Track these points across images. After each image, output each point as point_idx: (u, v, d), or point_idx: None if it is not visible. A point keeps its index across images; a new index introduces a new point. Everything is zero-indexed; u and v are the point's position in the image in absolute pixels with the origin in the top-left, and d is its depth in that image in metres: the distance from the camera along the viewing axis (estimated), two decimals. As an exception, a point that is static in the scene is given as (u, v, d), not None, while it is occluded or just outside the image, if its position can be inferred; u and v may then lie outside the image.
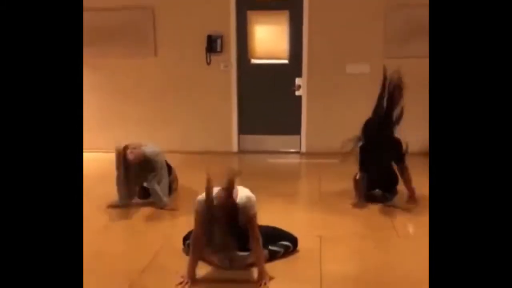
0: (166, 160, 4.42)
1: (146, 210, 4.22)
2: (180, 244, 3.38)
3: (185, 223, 3.82)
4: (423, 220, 4.12)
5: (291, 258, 3.24)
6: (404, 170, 4.32)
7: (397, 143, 4.28)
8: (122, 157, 4.06)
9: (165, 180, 4.29)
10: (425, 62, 6.88)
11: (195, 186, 4.96)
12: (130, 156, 4.06)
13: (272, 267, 3.14)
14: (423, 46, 5.92)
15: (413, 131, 4.98)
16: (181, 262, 3.10)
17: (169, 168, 4.49)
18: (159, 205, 4.22)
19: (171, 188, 4.49)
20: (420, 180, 4.25)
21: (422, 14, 5.88)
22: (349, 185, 4.93)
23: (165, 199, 4.23)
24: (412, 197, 4.33)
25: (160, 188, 4.21)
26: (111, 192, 4.24)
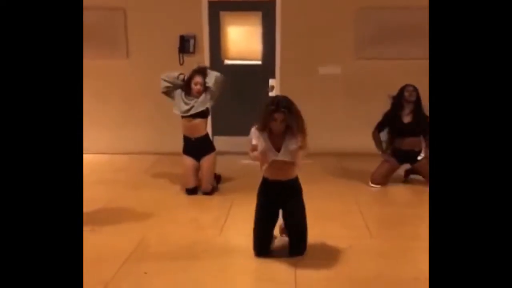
0: None
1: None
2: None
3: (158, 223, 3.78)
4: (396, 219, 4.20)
5: (265, 259, 3.25)
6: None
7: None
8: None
9: None
10: (395, 64, 6.97)
11: (167, 184, 4.96)
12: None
13: (245, 266, 3.15)
14: (393, 48, 6.03)
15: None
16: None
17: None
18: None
19: None
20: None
21: (393, 16, 5.98)
22: (323, 185, 4.96)
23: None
24: None
25: None
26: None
